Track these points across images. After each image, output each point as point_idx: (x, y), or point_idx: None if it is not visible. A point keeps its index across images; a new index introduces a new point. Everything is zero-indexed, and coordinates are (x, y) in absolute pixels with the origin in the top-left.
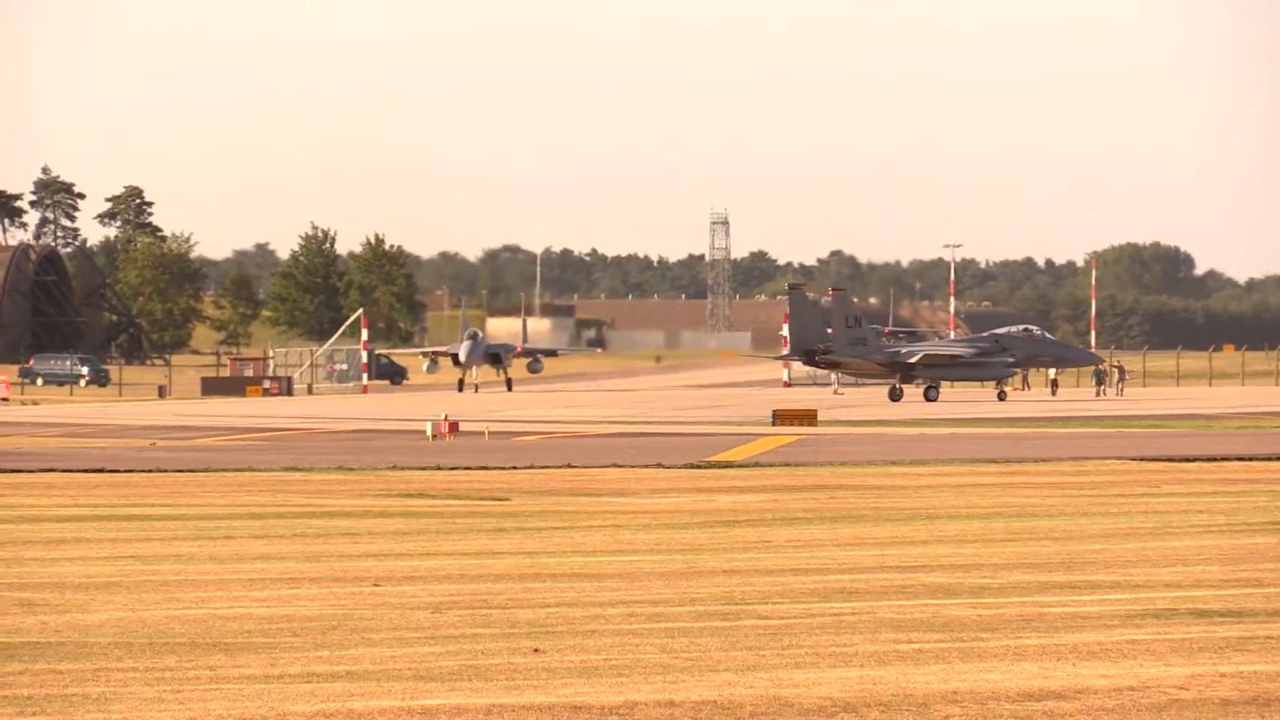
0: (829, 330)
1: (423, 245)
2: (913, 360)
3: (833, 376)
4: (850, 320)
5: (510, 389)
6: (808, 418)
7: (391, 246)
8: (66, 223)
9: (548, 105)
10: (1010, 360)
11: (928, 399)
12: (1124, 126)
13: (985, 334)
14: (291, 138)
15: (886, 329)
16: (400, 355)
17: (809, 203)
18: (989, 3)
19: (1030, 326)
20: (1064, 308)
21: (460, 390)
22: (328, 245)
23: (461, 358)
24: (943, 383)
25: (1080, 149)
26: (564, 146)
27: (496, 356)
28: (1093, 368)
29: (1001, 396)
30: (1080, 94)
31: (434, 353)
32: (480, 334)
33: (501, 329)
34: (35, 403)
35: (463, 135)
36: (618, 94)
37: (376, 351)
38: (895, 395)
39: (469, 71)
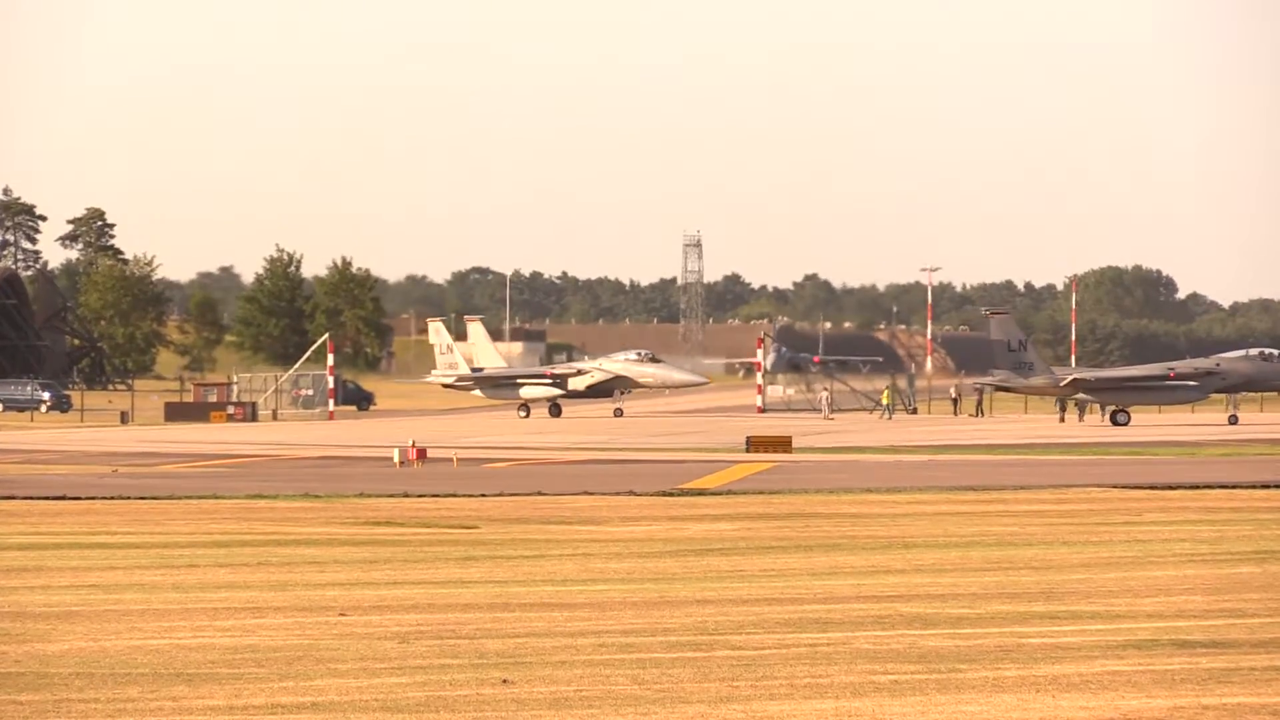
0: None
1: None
2: (1063, 384)
3: (823, 402)
4: (1014, 344)
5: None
6: (782, 444)
7: (359, 270)
8: (27, 245)
9: (516, 126)
10: (1193, 384)
11: (1115, 423)
12: (1104, 149)
13: (1211, 357)
14: (256, 159)
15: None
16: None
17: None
18: (968, 26)
19: (1272, 351)
20: (1044, 331)
21: (527, 415)
22: (293, 268)
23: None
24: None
25: (1060, 171)
26: (534, 167)
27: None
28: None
29: (1233, 420)
30: (1060, 116)
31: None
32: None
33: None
34: None
35: (431, 156)
36: (589, 115)
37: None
38: (1078, 415)
39: (436, 92)
